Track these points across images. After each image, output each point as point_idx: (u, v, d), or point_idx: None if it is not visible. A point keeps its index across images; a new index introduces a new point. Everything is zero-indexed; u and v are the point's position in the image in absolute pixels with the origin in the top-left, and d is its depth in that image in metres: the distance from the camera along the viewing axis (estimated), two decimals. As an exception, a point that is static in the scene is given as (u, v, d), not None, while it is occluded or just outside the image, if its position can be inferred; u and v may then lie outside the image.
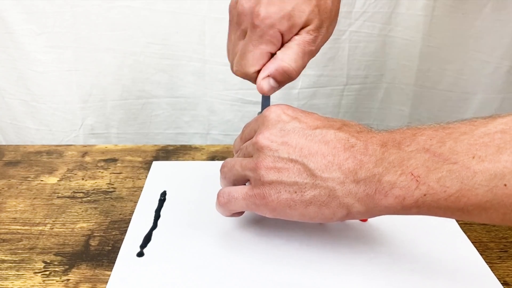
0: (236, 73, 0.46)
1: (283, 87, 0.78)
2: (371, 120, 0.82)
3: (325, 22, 0.44)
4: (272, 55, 0.44)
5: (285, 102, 0.77)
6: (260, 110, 0.52)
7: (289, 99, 0.77)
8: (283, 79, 0.44)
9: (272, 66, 0.44)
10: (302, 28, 0.43)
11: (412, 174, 0.34)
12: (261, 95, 0.51)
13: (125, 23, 0.72)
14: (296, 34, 0.43)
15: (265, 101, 0.51)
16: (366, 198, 0.36)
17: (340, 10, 0.71)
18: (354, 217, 0.38)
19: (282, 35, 0.43)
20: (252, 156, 0.41)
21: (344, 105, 0.80)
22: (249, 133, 0.44)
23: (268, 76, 0.44)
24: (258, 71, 0.44)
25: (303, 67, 0.45)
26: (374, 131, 0.38)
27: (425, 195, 0.34)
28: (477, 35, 0.71)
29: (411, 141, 0.35)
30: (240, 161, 0.42)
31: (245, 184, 0.45)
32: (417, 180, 0.34)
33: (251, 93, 0.77)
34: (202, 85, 0.77)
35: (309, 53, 0.44)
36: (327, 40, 0.47)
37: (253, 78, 0.45)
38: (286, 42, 0.44)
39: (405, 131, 0.37)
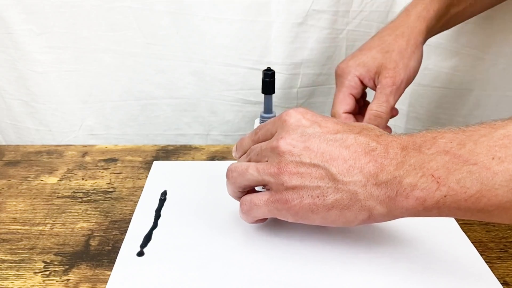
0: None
1: (282, 87, 0.78)
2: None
3: (400, 62, 0.53)
4: (356, 98, 0.55)
5: (285, 100, 0.78)
6: (262, 110, 0.52)
7: (289, 98, 0.78)
8: (378, 123, 0.53)
9: (366, 117, 0.53)
10: (381, 73, 0.53)
11: (433, 175, 0.34)
12: (263, 95, 0.51)
13: (124, 23, 0.72)
14: (379, 82, 0.53)
15: (268, 102, 0.51)
16: (387, 201, 0.36)
17: (338, 9, 0.72)
18: (376, 220, 0.38)
19: (360, 79, 0.55)
20: (267, 161, 0.41)
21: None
22: (264, 135, 0.44)
23: None
24: (346, 112, 0.54)
25: (393, 104, 0.54)
26: (394, 135, 0.39)
27: (445, 196, 0.34)
28: (471, 31, 0.72)
29: (431, 144, 0.36)
30: (255, 166, 0.41)
31: (254, 189, 0.45)
32: (438, 182, 0.34)
33: (252, 93, 0.77)
34: (202, 85, 0.77)
35: (392, 92, 0.53)
36: (413, 74, 0.55)
37: (342, 118, 0.54)
38: (372, 87, 0.55)
39: (425, 135, 0.37)
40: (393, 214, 0.37)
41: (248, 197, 0.42)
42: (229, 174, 0.44)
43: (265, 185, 0.41)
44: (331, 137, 0.39)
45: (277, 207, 0.40)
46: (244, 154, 0.46)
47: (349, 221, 0.38)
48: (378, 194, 0.36)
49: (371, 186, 0.36)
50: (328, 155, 0.38)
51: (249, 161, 0.44)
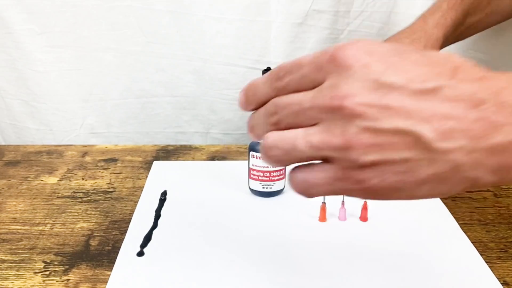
0: None
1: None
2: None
3: None
4: None
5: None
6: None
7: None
8: None
9: None
10: None
11: None
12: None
13: (125, 22, 0.72)
14: None
15: None
16: (500, 169, 0.27)
17: (338, 9, 0.72)
18: (474, 188, 0.32)
19: None
20: (315, 124, 0.29)
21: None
22: (298, 83, 0.30)
23: None
24: None
25: None
26: (502, 77, 0.28)
27: None
28: (475, 35, 0.71)
29: None
30: (305, 139, 0.29)
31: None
32: None
33: (251, 92, 0.76)
34: (202, 84, 0.77)
35: None
36: None
37: None
38: None
39: None
40: (503, 182, 0.29)
41: (300, 175, 0.31)
42: (268, 151, 0.30)
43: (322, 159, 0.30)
44: (418, 87, 0.27)
45: (346, 186, 0.29)
46: (259, 107, 0.32)
47: (441, 193, 0.30)
48: (487, 163, 0.27)
49: (479, 152, 0.27)
50: (418, 114, 0.27)
51: (276, 123, 0.31)
